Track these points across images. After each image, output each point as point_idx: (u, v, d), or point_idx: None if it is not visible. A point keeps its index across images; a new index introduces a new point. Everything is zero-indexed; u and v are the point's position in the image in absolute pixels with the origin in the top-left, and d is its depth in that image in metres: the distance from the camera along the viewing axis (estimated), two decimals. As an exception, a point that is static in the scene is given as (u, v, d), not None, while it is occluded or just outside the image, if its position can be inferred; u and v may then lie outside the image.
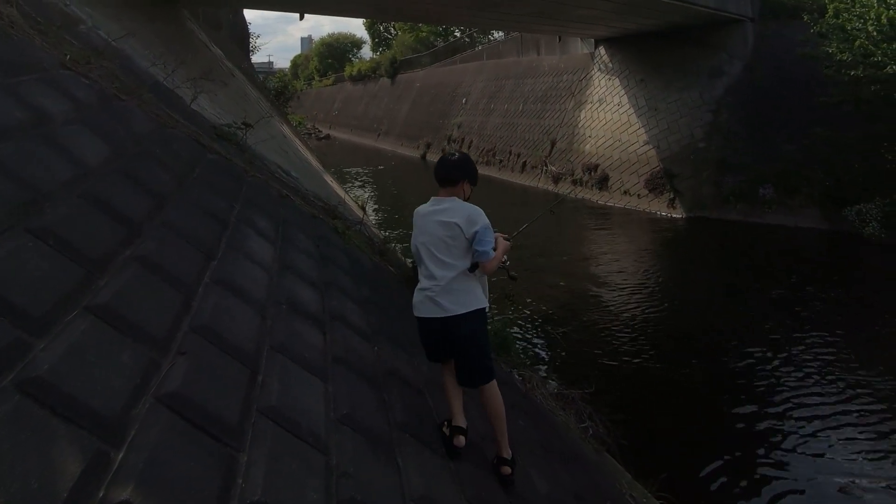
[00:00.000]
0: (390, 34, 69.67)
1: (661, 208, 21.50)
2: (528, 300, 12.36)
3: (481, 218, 3.27)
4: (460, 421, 3.22)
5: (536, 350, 10.34)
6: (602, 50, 27.04)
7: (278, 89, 29.46)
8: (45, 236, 2.29)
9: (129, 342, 2.14)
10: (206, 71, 9.18)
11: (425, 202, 3.47)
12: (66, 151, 3.01)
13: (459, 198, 3.40)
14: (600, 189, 24.08)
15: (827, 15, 18.55)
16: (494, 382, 3.27)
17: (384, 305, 4.63)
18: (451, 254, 3.23)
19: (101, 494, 1.51)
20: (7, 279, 1.96)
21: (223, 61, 16.81)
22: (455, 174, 3.43)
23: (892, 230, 15.78)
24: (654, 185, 22.01)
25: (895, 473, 6.98)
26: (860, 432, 7.77)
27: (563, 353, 10.06)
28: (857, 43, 17.01)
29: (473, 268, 3.23)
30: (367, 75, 61.67)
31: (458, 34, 52.16)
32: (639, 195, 22.47)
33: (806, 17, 19.45)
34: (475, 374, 3.26)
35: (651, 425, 7.96)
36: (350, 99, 65.14)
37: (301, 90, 61.21)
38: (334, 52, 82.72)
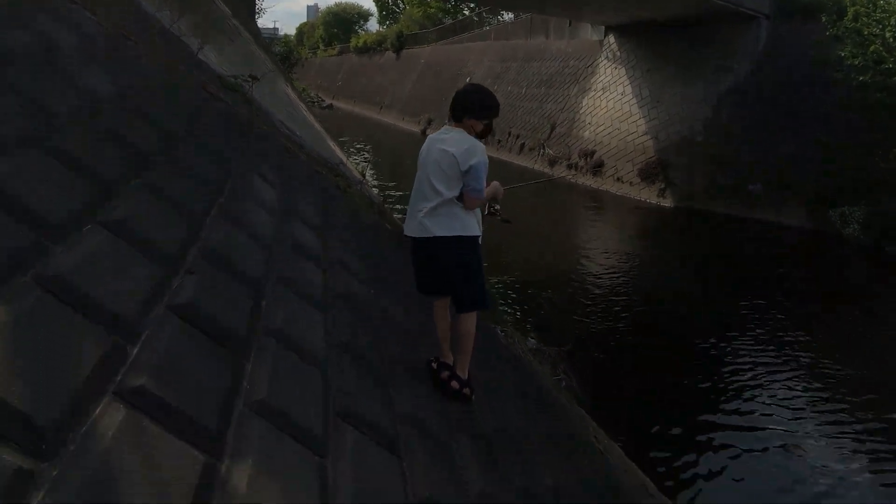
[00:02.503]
0: (398, 8, 69.08)
1: (650, 196, 21.78)
2: (514, 267, 13.10)
3: (479, 154, 3.32)
4: (448, 358, 3.41)
5: (519, 311, 10.89)
6: (611, 38, 26.89)
7: (284, 54, 29.16)
8: (59, 156, 2.33)
9: (141, 257, 2.20)
10: (213, 23, 9.13)
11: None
12: (75, 81, 3.03)
13: (468, 132, 3.45)
14: (594, 174, 24.24)
15: (846, 17, 18.45)
16: (474, 313, 3.40)
17: (382, 258, 4.72)
18: (442, 181, 3.31)
19: (118, 379, 1.59)
20: (24, 187, 2.00)
21: (230, 18, 16.67)
22: (458, 110, 3.49)
23: (870, 232, 16.35)
24: (648, 174, 22.19)
25: (831, 433, 7.74)
26: (804, 401, 8.57)
27: (544, 317, 10.74)
28: (872, 48, 17.00)
29: (460, 197, 3.32)
30: (373, 48, 61.16)
31: (466, 12, 51.77)
32: (631, 182, 22.68)
33: (824, 18, 19.31)
34: (461, 299, 3.39)
35: (619, 385, 8.64)
36: (354, 70, 64.64)
37: (306, 59, 60.55)
38: (340, 23, 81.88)
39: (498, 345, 5.51)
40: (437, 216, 3.29)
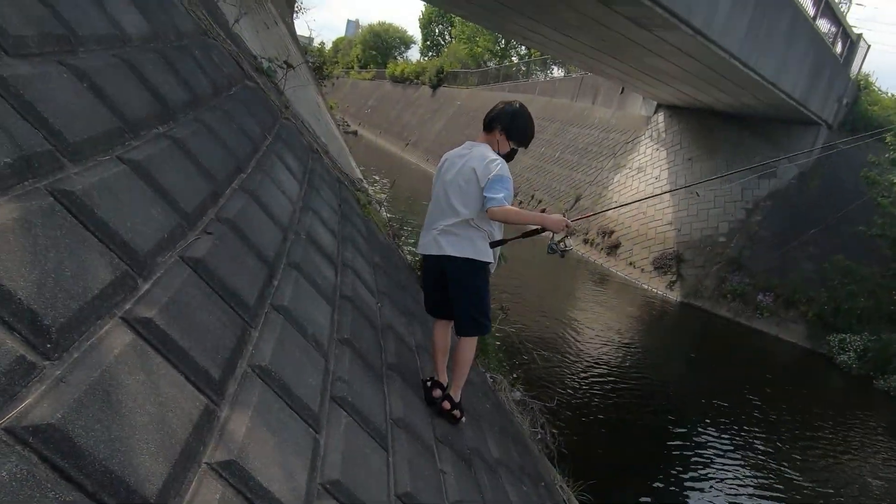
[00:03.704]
0: (444, 40, 70.16)
1: (658, 287, 22.09)
2: (513, 322, 13.54)
3: (499, 168, 3.31)
4: (441, 377, 3.52)
5: (509, 364, 11.53)
6: (660, 116, 27.25)
7: (317, 63, 29.48)
8: (79, 76, 2.29)
9: (159, 200, 2.22)
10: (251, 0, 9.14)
11: None
12: (103, 8, 2.96)
13: (492, 147, 3.48)
14: (608, 255, 24.46)
15: None
16: (475, 339, 3.52)
17: (392, 276, 4.76)
18: (461, 199, 3.34)
19: (126, 307, 1.60)
20: (41, 95, 1.95)
21: (269, 3, 16.91)
22: (490, 119, 3.52)
23: (865, 364, 16.77)
24: (661, 264, 22.48)
25: None
26: (748, 494, 9.63)
27: (532, 373, 11.43)
28: None
29: (477, 220, 3.34)
30: (409, 79, 62.02)
31: (515, 59, 52.48)
32: (642, 269, 22.95)
33: (888, 139, 19.43)
34: (463, 322, 3.46)
35: (591, 450, 9.62)
36: (386, 99, 65.42)
37: (337, 76, 61.34)
38: (380, 45, 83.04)
39: (486, 387, 5.81)
40: (451, 235, 3.35)
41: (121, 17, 3.12)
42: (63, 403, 1.14)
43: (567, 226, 3.36)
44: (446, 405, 3.44)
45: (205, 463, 1.41)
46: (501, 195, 3.24)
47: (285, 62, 6.78)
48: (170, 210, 2.23)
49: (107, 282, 1.58)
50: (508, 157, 3.54)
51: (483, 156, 3.37)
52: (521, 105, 3.60)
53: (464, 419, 3.58)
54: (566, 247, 3.56)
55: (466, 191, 3.32)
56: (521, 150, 3.61)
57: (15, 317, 1.24)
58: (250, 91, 5.00)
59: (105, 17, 2.93)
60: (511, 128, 3.51)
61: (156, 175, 2.30)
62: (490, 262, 3.44)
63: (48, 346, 1.26)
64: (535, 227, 3.54)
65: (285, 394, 1.93)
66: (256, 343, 2.01)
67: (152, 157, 2.39)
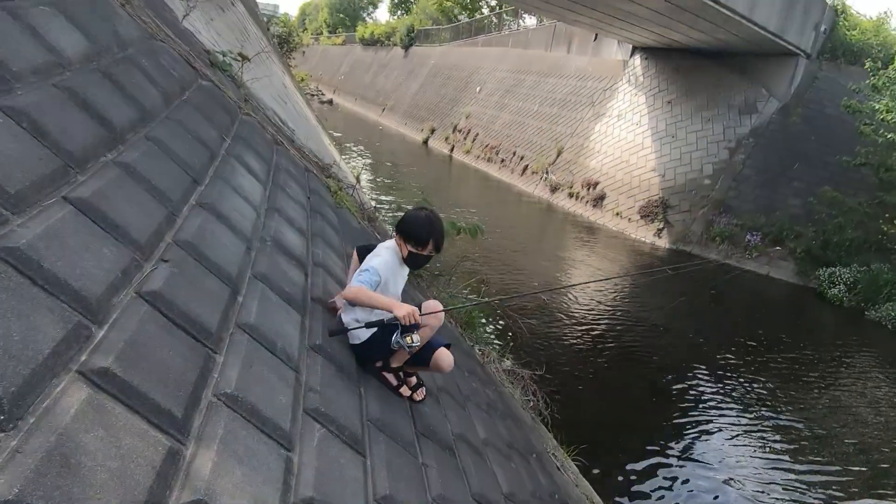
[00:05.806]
0: (412, -2, 69.45)
1: (647, 236, 22.50)
2: (499, 289, 14.28)
3: (372, 261, 3.32)
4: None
5: (498, 333, 11.91)
6: (636, 60, 27.27)
7: (283, 36, 29.19)
8: (17, 117, 2.27)
9: (111, 238, 2.23)
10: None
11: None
12: (38, 34, 2.85)
13: (400, 249, 3.47)
14: (594, 207, 24.78)
15: (891, 66, 18.45)
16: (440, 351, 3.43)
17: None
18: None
19: (82, 359, 1.67)
20: None
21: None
22: (397, 227, 3.52)
23: (855, 296, 17.33)
24: (648, 212, 22.91)
25: (771, 477, 8.97)
26: (755, 444, 9.84)
27: (522, 341, 11.55)
28: None
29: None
30: (380, 41, 61.49)
31: (485, 11, 51.95)
32: (629, 219, 23.33)
33: (868, 65, 19.06)
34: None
35: (585, 411, 9.92)
36: (359, 64, 64.93)
37: (307, 45, 60.64)
38: (348, 8, 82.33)
39: (474, 362, 5.93)
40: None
41: (58, 39, 3.04)
42: (20, 476, 1.22)
43: (415, 320, 3.09)
44: (389, 377, 3.39)
45: (170, 509, 1.49)
46: (362, 278, 3.18)
47: (240, 54, 6.76)
48: (122, 245, 2.25)
49: (58, 338, 1.63)
50: (414, 261, 3.49)
51: (378, 249, 3.45)
52: (418, 209, 3.54)
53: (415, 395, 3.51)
54: (412, 342, 3.17)
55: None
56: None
57: (-36, 391, 1.31)
58: (205, 91, 4.97)
59: (41, 44, 2.86)
60: (403, 230, 3.43)
61: (105, 210, 2.31)
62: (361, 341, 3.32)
63: (1, 418, 1.32)
64: (380, 319, 3.24)
65: (254, 417, 2.02)
66: (221, 369, 2.09)
67: (100, 191, 2.39)
